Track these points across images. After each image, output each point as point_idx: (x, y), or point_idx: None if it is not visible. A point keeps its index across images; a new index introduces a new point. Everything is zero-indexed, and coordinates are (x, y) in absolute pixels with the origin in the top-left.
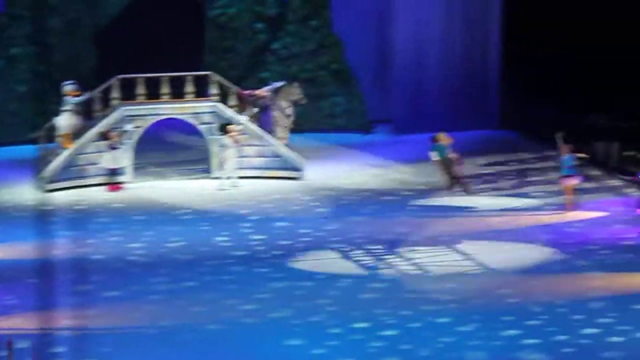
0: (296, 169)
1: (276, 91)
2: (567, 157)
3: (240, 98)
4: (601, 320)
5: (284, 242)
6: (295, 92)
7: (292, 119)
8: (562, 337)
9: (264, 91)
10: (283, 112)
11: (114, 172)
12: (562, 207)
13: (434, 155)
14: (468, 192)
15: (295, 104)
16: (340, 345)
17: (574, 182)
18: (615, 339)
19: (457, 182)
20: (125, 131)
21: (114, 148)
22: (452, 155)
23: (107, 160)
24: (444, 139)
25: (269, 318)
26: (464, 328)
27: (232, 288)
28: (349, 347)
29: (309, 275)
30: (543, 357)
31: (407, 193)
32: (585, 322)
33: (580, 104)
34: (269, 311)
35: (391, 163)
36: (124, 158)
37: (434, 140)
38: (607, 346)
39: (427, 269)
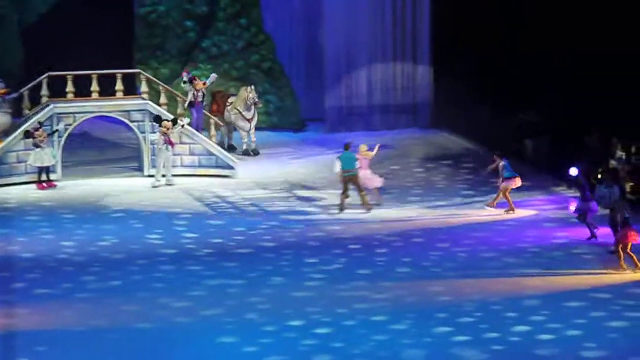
0: (229, 167)
1: (221, 96)
2: (504, 162)
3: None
4: (534, 318)
5: (217, 241)
6: (251, 95)
7: (254, 122)
8: (494, 335)
9: (201, 83)
10: (243, 116)
11: (42, 171)
12: (502, 207)
13: (337, 166)
14: (368, 209)
15: (254, 106)
16: (273, 343)
17: (513, 184)
18: (546, 336)
19: (364, 201)
20: (55, 130)
21: (39, 146)
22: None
23: (34, 158)
24: (364, 152)
25: (202, 316)
26: (398, 326)
27: (164, 287)
28: (282, 345)
29: (241, 274)
30: (475, 354)
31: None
32: (517, 319)
33: (511, 101)
34: (201, 309)
35: (320, 160)
36: (51, 156)
37: (346, 147)
38: (538, 344)
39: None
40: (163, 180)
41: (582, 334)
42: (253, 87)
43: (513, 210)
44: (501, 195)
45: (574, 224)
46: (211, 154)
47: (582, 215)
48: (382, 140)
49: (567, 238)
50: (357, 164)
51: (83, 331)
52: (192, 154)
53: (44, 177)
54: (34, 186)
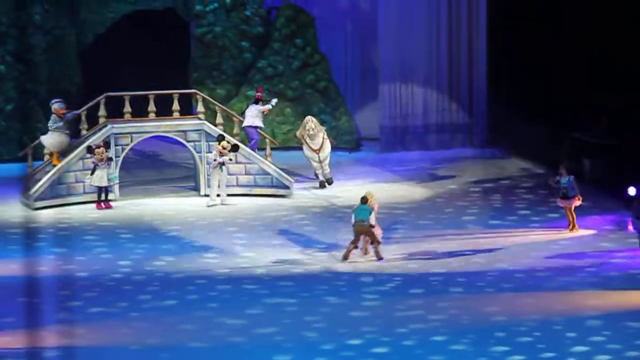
0: (284, 187)
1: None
2: (566, 178)
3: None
4: (593, 338)
5: (273, 260)
6: (310, 125)
7: (325, 152)
8: (552, 354)
9: (266, 109)
10: (309, 146)
11: (101, 190)
12: (564, 226)
13: (352, 218)
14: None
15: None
16: None
17: (575, 203)
18: (605, 357)
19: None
20: (109, 149)
21: (96, 165)
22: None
23: (93, 178)
24: (371, 201)
25: (257, 334)
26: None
27: (219, 305)
28: None
29: (294, 294)
30: None
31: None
32: (576, 339)
33: (569, 119)
34: (256, 328)
35: (374, 180)
36: (107, 177)
37: (363, 200)
38: None
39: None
40: (218, 200)
41: None
42: (312, 117)
43: (575, 227)
44: (568, 214)
45: (633, 244)
46: (267, 173)
47: None
48: (437, 160)
49: (626, 257)
50: (372, 217)
51: (139, 349)
52: (247, 173)
53: (102, 197)
54: (92, 206)
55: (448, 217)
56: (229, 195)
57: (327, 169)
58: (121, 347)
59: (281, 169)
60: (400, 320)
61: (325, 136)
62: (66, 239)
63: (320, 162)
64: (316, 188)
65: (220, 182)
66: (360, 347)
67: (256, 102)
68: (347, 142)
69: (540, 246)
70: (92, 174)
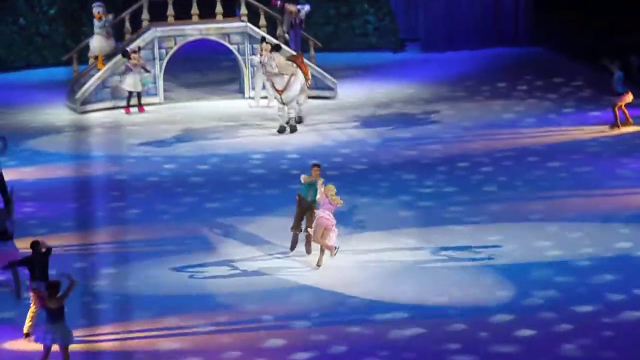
0: (329, 88)
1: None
2: (618, 73)
3: (280, 9)
4: None
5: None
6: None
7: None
8: None
9: (294, 7)
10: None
11: (131, 94)
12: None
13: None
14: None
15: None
16: None
17: (626, 99)
18: None
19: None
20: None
21: (130, 70)
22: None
23: (126, 81)
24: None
25: None
26: None
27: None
28: None
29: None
30: None
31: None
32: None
33: (615, 24)
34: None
35: (421, 81)
36: (141, 82)
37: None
38: None
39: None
40: (262, 102)
41: None
42: (266, 44)
43: (618, 126)
44: (615, 110)
45: None
46: (311, 75)
47: None
48: (478, 58)
49: None
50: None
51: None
52: None
53: (134, 101)
54: (136, 109)
55: (502, 109)
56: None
57: (292, 114)
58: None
59: (325, 70)
60: None
61: (293, 78)
62: (112, 143)
63: (283, 103)
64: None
65: (255, 84)
66: None
67: (280, 10)
68: (390, 43)
69: (583, 143)
70: (124, 77)
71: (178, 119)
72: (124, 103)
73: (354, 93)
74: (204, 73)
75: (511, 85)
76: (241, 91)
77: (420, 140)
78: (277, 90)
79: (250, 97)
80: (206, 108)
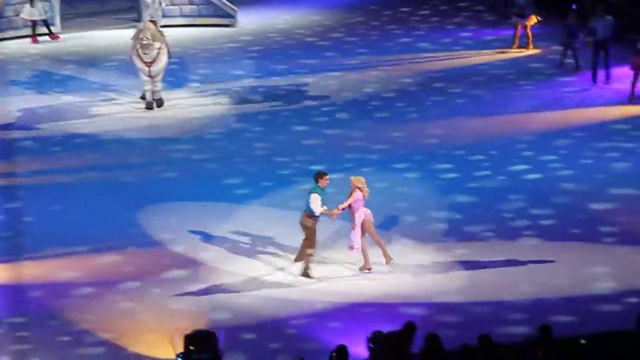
0: (229, 15)
1: None
2: None
3: None
4: None
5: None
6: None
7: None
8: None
9: None
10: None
11: (35, 24)
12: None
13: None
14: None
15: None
16: None
17: (532, 20)
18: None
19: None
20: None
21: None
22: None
23: (25, 12)
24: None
25: None
26: None
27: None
28: None
29: None
30: None
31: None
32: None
33: None
34: None
35: (317, 8)
36: (41, 10)
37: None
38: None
39: None
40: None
41: None
42: (145, 23)
43: (526, 47)
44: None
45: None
46: (210, 2)
47: None
48: None
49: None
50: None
51: None
52: (191, 3)
53: (41, 31)
54: (28, 40)
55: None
56: (172, 26)
57: (158, 86)
58: None
59: None
60: None
61: (163, 49)
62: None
63: (151, 77)
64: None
65: (154, 13)
66: None
67: None
68: None
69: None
70: (21, 7)
71: (76, 48)
72: (19, 33)
73: (255, 21)
74: (101, 2)
75: (413, 10)
76: (139, 20)
77: (319, 68)
78: (145, 63)
79: None
80: (104, 37)
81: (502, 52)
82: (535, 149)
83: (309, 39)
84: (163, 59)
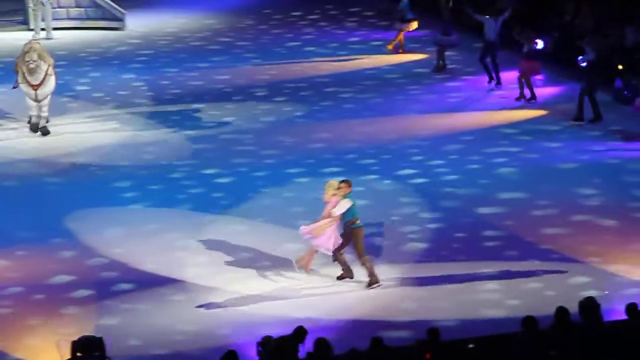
0: (117, 18)
1: None
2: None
3: None
4: None
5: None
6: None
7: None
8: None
9: None
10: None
11: None
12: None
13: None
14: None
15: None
16: None
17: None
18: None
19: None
20: None
21: None
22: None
23: None
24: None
25: None
26: None
27: None
28: None
29: None
30: None
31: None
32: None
33: None
34: None
35: (208, 11)
36: None
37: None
38: None
39: None
40: (42, 34)
41: None
42: (30, 44)
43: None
44: (400, 37)
45: None
46: (98, 5)
47: None
48: None
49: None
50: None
51: None
52: (78, 5)
53: None
54: None
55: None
56: (57, 29)
57: (45, 112)
58: None
59: (113, 1)
60: None
61: (51, 71)
62: None
63: (37, 100)
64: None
65: (45, 16)
66: None
67: None
68: None
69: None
70: None
71: None
72: None
73: (144, 24)
74: None
75: (304, 14)
76: (25, 22)
77: (208, 72)
78: (32, 86)
79: (33, 29)
80: None
81: (390, 57)
82: (424, 154)
83: (199, 43)
84: (51, 82)
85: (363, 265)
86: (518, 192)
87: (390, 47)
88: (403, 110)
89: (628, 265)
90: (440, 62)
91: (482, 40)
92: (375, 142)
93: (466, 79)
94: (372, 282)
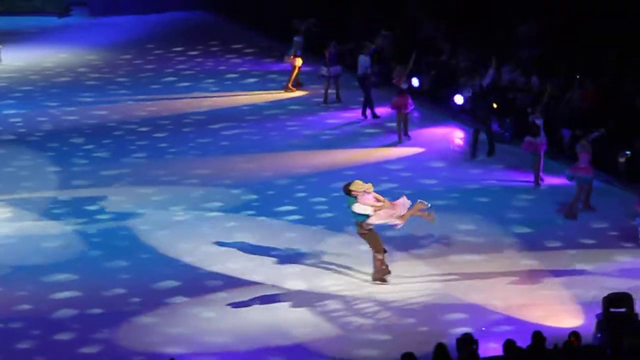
0: None
1: None
2: (298, 38)
3: None
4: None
5: None
6: None
7: None
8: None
9: None
10: None
11: None
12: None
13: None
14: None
15: None
16: None
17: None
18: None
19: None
20: None
21: None
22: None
23: None
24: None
25: None
26: None
27: None
28: None
29: None
30: None
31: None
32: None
33: None
34: None
35: (86, 46)
36: None
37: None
38: None
39: None
40: None
41: None
42: None
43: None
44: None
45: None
46: None
47: None
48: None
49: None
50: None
51: None
52: None
53: None
54: None
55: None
56: None
57: None
58: None
59: None
60: None
61: None
62: None
63: None
64: None
65: None
66: None
67: None
68: (55, 8)
69: None
70: None
71: None
72: None
73: (20, 58)
74: None
75: (186, 50)
76: None
77: (84, 107)
78: None
79: None
80: None
81: (272, 93)
82: (308, 190)
83: (76, 78)
84: None
85: (376, 260)
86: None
87: (290, 87)
88: (280, 145)
89: (504, 303)
90: (329, 93)
91: (356, 76)
92: (251, 177)
93: (342, 113)
94: (378, 277)
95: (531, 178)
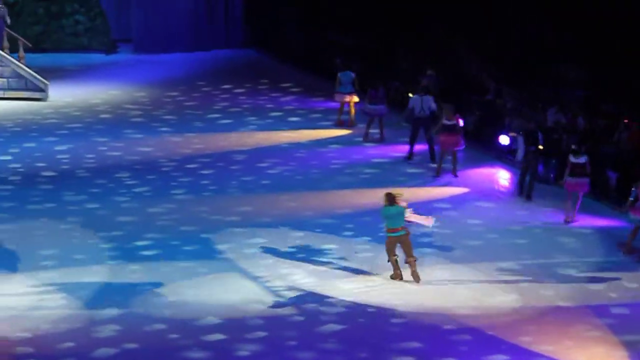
0: (39, 89)
1: None
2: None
3: None
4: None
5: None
6: None
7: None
8: None
9: None
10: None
11: None
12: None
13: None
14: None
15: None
16: None
17: (348, 98)
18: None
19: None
20: None
21: None
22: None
23: None
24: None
25: None
26: None
27: None
28: None
29: None
30: None
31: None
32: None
33: (323, 21)
34: None
35: (133, 83)
36: None
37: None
38: None
39: None
40: None
41: None
42: None
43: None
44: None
45: None
46: (20, 75)
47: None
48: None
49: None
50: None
51: None
52: (0, 76)
53: None
54: None
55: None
56: None
57: None
58: None
59: (35, 72)
60: None
61: None
62: None
63: None
64: None
65: None
66: None
67: None
68: (102, 44)
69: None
70: None
71: None
72: None
73: (68, 94)
74: None
75: (234, 87)
76: None
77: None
78: None
79: None
80: None
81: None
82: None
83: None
84: None
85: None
86: None
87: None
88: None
89: (552, 347)
90: (371, 131)
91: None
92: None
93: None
94: (396, 276)
95: (579, 219)
